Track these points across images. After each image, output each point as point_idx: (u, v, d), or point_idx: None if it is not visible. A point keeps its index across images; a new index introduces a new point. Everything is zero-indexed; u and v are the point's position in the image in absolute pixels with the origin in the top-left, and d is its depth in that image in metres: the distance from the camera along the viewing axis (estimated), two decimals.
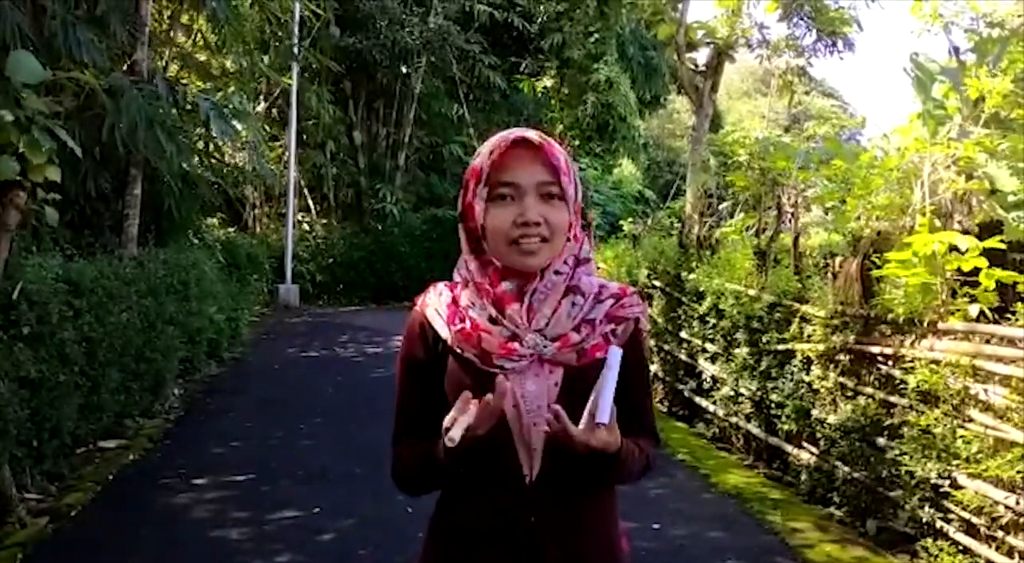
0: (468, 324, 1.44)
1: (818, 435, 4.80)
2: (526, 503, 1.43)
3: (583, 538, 1.47)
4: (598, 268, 9.50)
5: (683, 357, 6.90)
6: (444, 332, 1.46)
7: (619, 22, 17.32)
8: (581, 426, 1.33)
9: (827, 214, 6.78)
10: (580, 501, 1.46)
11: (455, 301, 1.48)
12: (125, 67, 6.70)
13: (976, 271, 3.89)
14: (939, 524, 3.77)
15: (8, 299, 4.18)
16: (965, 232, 4.16)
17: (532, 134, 1.44)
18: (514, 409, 1.42)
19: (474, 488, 1.45)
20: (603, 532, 1.51)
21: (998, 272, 3.86)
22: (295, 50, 13.28)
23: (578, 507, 1.46)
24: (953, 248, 3.93)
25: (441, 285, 1.53)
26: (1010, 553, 3.42)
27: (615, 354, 1.35)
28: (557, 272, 1.45)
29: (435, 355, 1.48)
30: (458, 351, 1.45)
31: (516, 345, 1.42)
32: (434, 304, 1.50)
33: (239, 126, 7.84)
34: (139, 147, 6.19)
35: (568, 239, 1.46)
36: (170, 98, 6.83)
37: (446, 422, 1.33)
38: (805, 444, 5.03)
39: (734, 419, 5.91)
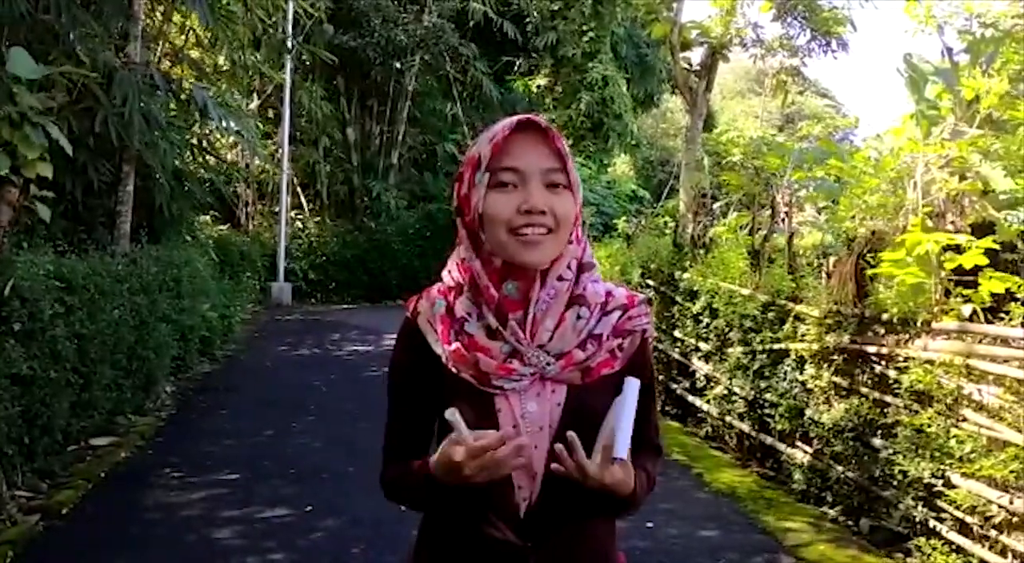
0: (464, 342, 1.33)
1: (812, 434, 4.81)
2: (522, 529, 1.33)
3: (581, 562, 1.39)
4: None
5: (676, 356, 6.90)
6: (438, 349, 1.36)
7: (614, 21, 17.35)
8: (594, 459, 1.25)
9: (820, 214, 6.80)
10: (579, 526, 1.37)
11: (449, 312, 1.36)
12: (118, 64, 6.67)
13: (971, 271, 3.89)
14: (932, 523, 3.77)
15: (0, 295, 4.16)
16: (957, 232, 4.16)
17: (537, 117, 1.33)
18: (513, 429, 1.31)
19: (466, 512, 1.33)
20: (602, 556, 1.43)
21: (991, 273, 3.86)
22: (288, 46, 13.24)
23: (577, 532, 1.37)
24: (950, 247, 3.93)
25: (435, 291, 1.40)
26: (1003, 552, 3.42)
27: (632, 386, 1.25)
28: (560, 277, 1.34)
29: (428, 368, 1.37)
30: (454, 371, 1.34)
31: (516, 364, 1.32)
32: (426, 314, 1.38)
33: (233, 124, 7.81)
34: (132, 136, 6.14)
35: (571, 242, 1.35)
36: (165, 88, 6.79)
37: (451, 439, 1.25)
38: (799, 443, 5.03)
39: (727, 418, 5.91)
